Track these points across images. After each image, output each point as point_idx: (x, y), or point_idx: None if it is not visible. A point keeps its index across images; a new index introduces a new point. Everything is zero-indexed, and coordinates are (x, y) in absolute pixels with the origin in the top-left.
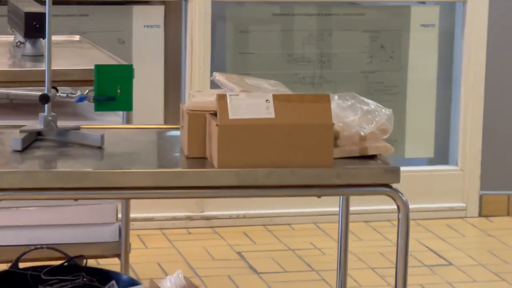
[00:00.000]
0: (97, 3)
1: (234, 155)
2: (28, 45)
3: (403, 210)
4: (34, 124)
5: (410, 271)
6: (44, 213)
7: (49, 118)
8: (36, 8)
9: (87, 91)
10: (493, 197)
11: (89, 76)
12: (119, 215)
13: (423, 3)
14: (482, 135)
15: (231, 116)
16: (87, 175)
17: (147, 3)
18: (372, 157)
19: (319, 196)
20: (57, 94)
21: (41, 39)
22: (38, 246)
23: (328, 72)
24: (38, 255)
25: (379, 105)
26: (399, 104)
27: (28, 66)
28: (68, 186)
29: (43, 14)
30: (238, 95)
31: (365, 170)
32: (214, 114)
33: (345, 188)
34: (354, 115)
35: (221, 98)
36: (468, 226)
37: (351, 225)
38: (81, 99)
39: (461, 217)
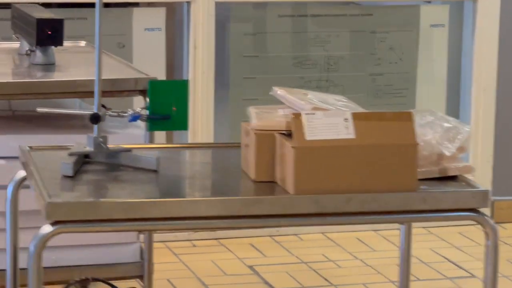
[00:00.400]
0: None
1: (312, 180)
2: (38, 53)
3: (492, 238)
4: (80, 145)
5: (432, 284)
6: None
7: (100, 139)
8: (47, 14)
9: (139, 109)
10: (505, 203)
11: (110, 87)
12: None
13: (429, 2)
14: (493, 140)
15: (308, 137)
16: (153, 205)
17: (147, 5)
18: (452, 178)
19: (401, 223)
20: (107, 113)
21: (53, 47)
22: (83, 278)
23: (335, 75)
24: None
25: (459, 121)
26: (408, 108)
27: (41, 76)
28: (133, 216)
29: (56, 21)
30: (314, 113)
31: (450, 194)
32: (285, 134)
33: (430, 214)
34: (433, 132)
35: (297, 117)
36: (481, 234)
37: (361, 234)
38: (134, 118)
39: (473, 224)
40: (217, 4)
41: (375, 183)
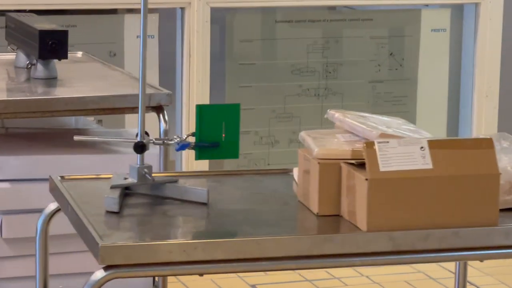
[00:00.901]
0: (86, 12)
1: (386, 215)
2: (39, 67)
3: None
4: (120, 175)
5: None
6: (67, 259)
7: (144, 170)
8: (49, 25)
9: (186, 136)
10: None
11: (119, 104)
12: None
13: (426, 6)
14: None
15: (382, 168)
16: (217, 246)
17: (139, 11)
18: None
19: (481, 260)
20: (151, 141)
21: (56, 60)
22: None
23: (334, 82)
24: None
25: None
26: (409, 116)
27: (47, 93)
28: (194, 259)
29: (60, 32)
30: (388, 142)
31: None
32: (352, 163)
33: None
34: (508, 159)
35: (370, 146)
36: None
37: (410, 277)
38: (183, 147)
39: None
40: (212, 10)
41: (454, 217)
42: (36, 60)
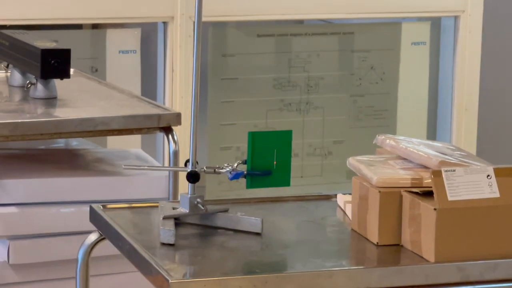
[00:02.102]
0: (67, 27)
1: (454, 245)
2: (39, 86)
3: None
4: (168, 205)
5: None
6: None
7: (197, 200)
8: (49, 43)
9: (236, 164)
10: None
11: (125, 125)
12: None
13: (403, 19)
14: None
15: (450, 198)
16: (288, 279)
17: (121, 26)
18: None
19: None
20: (202, 169)
21: (58, 79)
22: None
23: (316, 97)
24: None
25: None
26: (389, 130)
27: (52, 114)
28: None
29: (62, 51)
30: (454, 170)
31: None
32: (415, 192)
33: None
34: None
35: (437, 175)
36: None
37: None
38: (236, 176)
39: None
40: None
41: None
42: (36, 80)
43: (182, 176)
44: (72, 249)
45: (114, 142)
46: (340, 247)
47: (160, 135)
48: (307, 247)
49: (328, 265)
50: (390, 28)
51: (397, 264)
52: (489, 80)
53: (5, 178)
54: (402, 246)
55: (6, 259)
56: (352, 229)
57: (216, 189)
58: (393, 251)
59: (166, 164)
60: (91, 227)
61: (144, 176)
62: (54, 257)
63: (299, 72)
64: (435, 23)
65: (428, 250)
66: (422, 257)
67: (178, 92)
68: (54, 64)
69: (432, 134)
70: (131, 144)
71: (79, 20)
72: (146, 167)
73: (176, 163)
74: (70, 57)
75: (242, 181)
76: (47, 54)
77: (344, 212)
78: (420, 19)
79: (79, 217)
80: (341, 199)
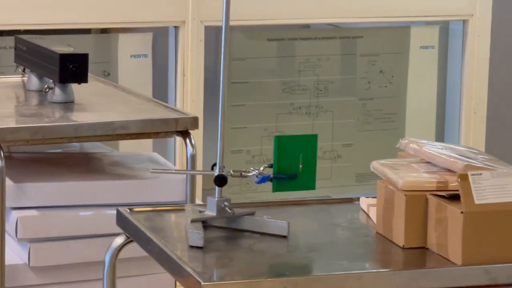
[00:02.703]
0: (80, 31)
1: (481, 248)
2: (57, 91)
3: None
4: (195, 207)
5: None
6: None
7: (224, 203)
8: (68, 48)
9: (263, 167)
10: None
11: (143, 129)
12: None
13: (412, 23)
14: None
15: (477, 201)
16: (317, 281)
17: (133, 30)
18: None
19: None
20: (229, 173)
21: (76, 84)
22: None
23: (325, 100)
24: None
25: None
26: (398, 133)
27: (71, 118)
28: None
29: (81, 56)
30: (481, 174)
31: None
32: (441, 196)
33: None
34: None
35: (464, 178)
36: None
37: None
38: (263, 179)
39: None
40: (205, 28)
41: None
42: (54, 84)
43: (198, 179)
44: (91, 251)
45: (126, 146)
46: (366, 249)
47: (171, 138)
48: (333, 249)
49: (356, 267)
50: (399, 32)
51: (423, 267)
52: (497, 84)
53: (25, 182)
54: (427, 249)
55: (27, 262)
56: (377, 232)
57: (225, 191)
58: (419, 253)
59: (180, 166)
60: (110, 229)
61: (162, 180)
62: (74, 259)
63: (308, 75)
64: (444, 27)
65: (455, 253)
66: (448, 260)
67: (189, 96)
68: (72, 69)
69: (440, 137)
70: (143, 147)
71: (91, 24)
72: (173, 171)
73: (193, 166)
74: (88, 61)
75: (251, 184)
76: (65, 58)
77: (368, 215)
78: (429, 23)
79: (98, 220)
80: (364, 202)
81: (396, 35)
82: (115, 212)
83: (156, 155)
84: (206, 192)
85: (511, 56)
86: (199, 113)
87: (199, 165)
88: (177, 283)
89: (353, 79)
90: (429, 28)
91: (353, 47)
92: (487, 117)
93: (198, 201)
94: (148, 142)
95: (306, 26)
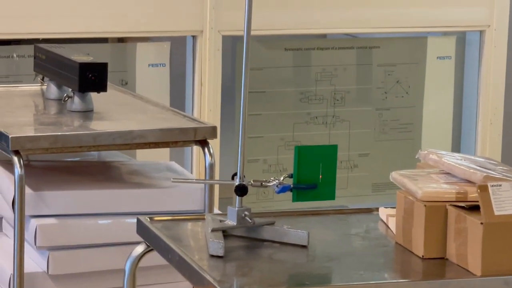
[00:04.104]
0: (97, 40)
1: (501, 259)
2: (76, 99)
3: None
4: (215, 217)
5: None
6: None
7: (245, 212)
8: (87, 58)
9: (283, 177)
10: None
11: (162, 138)
12: None
13: (428, 33)
14: None
15: (496, 212)
16: None
17: (151, 39)
18: None
19: None
20: (249, 183)
21: (95, 92)
22: None
23: (342, 110)
24: None
25: None
26: (415, 143)
27: (90, 127)
28: None
29: (100, 65)
30: (500, 185)
31: None
32: (460, 207)
33: None
34: None
35: (483, 189)
36: None
37: None
38: (283, 189)
39: None
40: (223, 38)
41: None
42: (73, 93)
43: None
44: (109, 259)
45: (144, 154)
46: (385, 259)
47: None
48: (352, 259)
49: (375, 277)
50: (416, 43)
51: (443, 277)
52: None
53: (45, 190)
54: (447, 259)
55: (46, 270)
56: (396, 242)
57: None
58: (438, 264)
59: (198, 175)
60: (128, 238)
61: (180, 189)
62: (92, 267)
63: (325, 85)
64: (461, 38)
65: (475, 264)
66: (468, 271)
67: (207, 105)
68: (92, 78)
69: (456, 147)
70: (161, 156)
71: (109, 33)
72: (194, 181)
73: (212, 175)
74: (107, 70)
75: (267, 193)
76: (85, 67)
77: (387, 225)
78: (446, 33)
79: (117, 228)
80: (383, 212)
81: (412, 45)
82: (133, 220)
83: (174, 164)
84: (223, 201)
85: None
86: (217, 122)
87: (216, 174)
88: None
89: (370, 89)
90: (446, 39)
91: (370, 57)
92: (503, 127)
93: (216, 210)
94: (165, 151)
95: (323, 36)
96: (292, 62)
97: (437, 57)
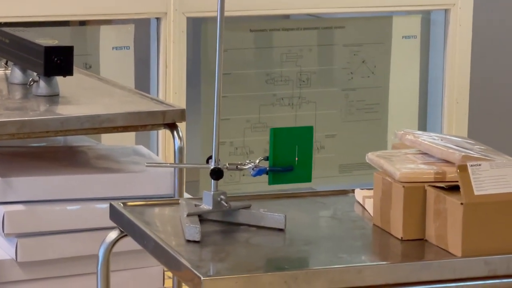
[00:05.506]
0: (60, 24)
1: (480, 239)
2: (42, 84)
3: None
4: (190, 201)
5: None
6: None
7: (220, 196)
8: (52, 41)
9: (258, 160)
10: None
11: (130, 121)
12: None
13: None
14: None
15: (476, 192)
16: (317, 274)
17: (115, 22)
18: None
19: None
20: (225, 166)
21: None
22: None
23: (308, 91)
24: None
25: None
26: (381, 123)
27: (57, 111)
28: None
29: (65, 48)
30: (480, 165)
31: None
32: (439, 187)
33: None
34: None
35: (463, 169)
36: None
37: None
38: (259, 172)
39: None
40: (187, 19)
41: None
42: (39, 77)
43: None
44: (79, 246)
45: (109, 138)
46: (364, 242)
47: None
48: (331, 242)
49: (355, 260)
50: (381, 22)
51: (423, 259)
52: (479, 73)
53: (11, 176)
54: (426, 240)
55: (14, 257)
56: (374, 224)
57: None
58: (417, 245)
59: (164, 159)
60: (98, 223)
61: (149, 173)
62: (62, 254)
63: (290, 66)
64: (426, 17)
65: (455, 245)
66: (448, 252)
67: (172, 87)
68: (57, 62)
69: (423, 127)
70: (126, 140)
71: (72, 16)
72: (168, 165)
73: (181, 159)
74: (73, 54)
75: (234, 175)
76: (50, 51)
77: (363, 207)
78: (411, 12)
79: (86, 214)
80: (359, 194)
81: (377, 25)
82: (103, 205)
83: (141, 148)
84: (189, 184)
85: (493, 45)
86: (182, 105)
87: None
88: (165, 276)
89: (336, 70)
90: (411, 18)
91: (335, 38)
92: (469, 106)
93: (186, 194)
94: (131, 135)
95: (286, 17)
96: (257, 43)
97: (403, 37)
